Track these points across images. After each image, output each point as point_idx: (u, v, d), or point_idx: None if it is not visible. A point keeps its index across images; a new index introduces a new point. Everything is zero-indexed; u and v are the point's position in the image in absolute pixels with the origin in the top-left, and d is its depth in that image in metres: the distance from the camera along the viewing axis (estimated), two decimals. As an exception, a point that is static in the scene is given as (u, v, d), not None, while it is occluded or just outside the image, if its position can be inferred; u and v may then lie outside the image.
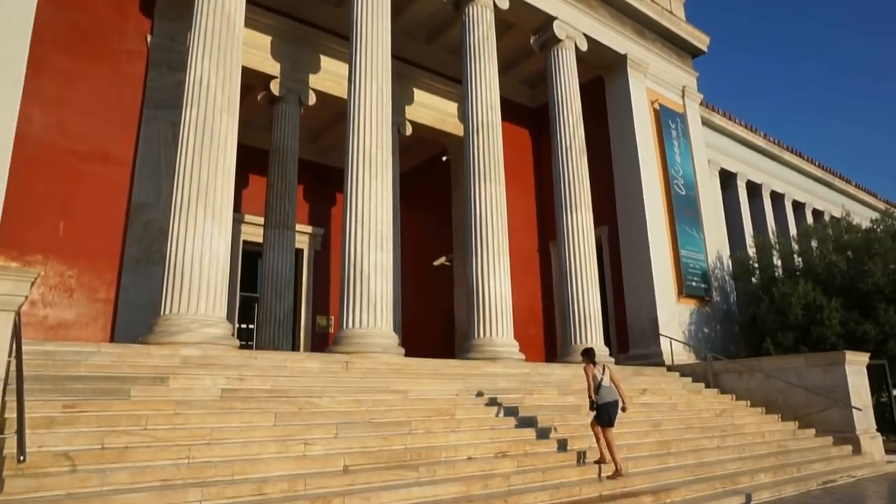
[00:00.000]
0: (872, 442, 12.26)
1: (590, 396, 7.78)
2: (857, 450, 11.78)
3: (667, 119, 18.10)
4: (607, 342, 15.02)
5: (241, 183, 17.42)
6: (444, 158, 19.15)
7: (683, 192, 17.74)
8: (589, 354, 8.12)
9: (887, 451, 12.69)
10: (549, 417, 9.20)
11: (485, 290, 12.41)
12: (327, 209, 19.34)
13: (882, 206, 28.13)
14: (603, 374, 7.84)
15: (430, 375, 9.97)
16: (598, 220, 15.84)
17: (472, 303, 12.51)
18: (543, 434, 8.62)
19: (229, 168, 9.23)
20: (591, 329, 13.98)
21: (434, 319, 19.01)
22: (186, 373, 7.54)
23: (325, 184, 19.03)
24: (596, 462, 7.82)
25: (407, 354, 10.78)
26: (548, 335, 17.91)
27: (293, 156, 14.98)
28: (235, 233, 17.28)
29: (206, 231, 8.80)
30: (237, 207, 17.31)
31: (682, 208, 17.50)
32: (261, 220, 15.68)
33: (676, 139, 18.19)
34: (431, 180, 20.22)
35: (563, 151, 15.11)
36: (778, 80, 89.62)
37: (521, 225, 18.08)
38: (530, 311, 17.69)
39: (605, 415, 7.63)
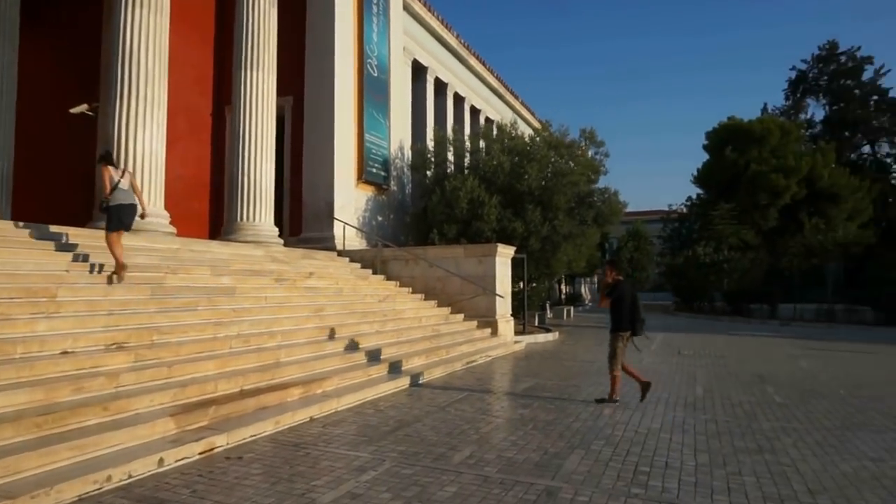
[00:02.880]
0: (507, 325, 13.79)
1: (104, 199, 7.43)
2: (495, 332, 13.07)
3: (369, -9, 16.83)
4: (280, 223, 13.88)
5: None
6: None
7: (376, 74, 16.96)
8: (106, 157, 7.83)
9: (515, 333, 14.49)
10: (194, 301, 7.76)
11: (130, 146, 10.00)
12: None
13: (537, 123, 31.99)
14: (122, 177, 7.57)
15: (34, 245, 7.52)
16: (284, 89, 14.19)
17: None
18: (181, 321, 7.16)
19: None
20: (260, 205, 12.63)
21: (68, 181, 15.29)
22: None
23: None
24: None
25: (16, 218, 8.09)
26: (215, 211, 15.89)
27: None
28: None
29: None
30: None
31: (373, 91, 16.77)
32: None
33: (377, 16, 17.11)
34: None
35: (250, -4, 12.80)
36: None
37: (194, 81, 15.31)
38: (197, 182, 15.42)
39: (115, 218, 7.35)
